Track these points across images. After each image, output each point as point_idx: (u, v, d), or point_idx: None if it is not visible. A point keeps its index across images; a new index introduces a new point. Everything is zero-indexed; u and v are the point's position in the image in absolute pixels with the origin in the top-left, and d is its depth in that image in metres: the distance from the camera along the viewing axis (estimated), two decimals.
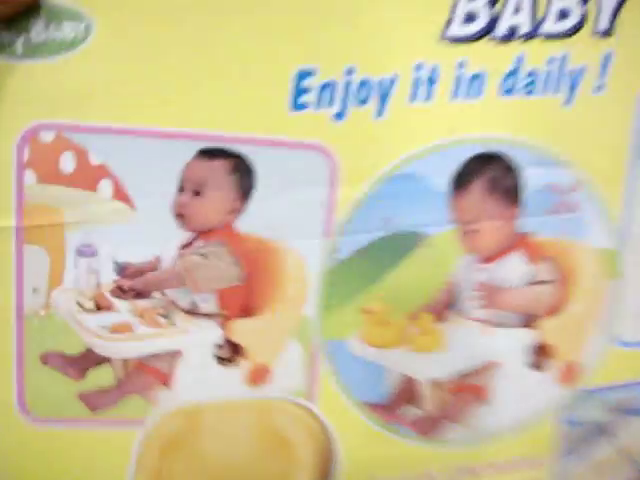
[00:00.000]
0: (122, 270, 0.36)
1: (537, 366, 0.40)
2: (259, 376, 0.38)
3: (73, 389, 0.36)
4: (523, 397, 0.40)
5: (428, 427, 0.40)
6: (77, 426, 0.37)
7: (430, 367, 0.39)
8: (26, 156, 0.34)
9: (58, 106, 0.33)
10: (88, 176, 0.34)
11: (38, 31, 0.32)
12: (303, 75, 0.34)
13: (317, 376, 0.38)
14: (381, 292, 0.38)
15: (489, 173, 0.37)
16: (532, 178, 0.38)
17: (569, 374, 0.41)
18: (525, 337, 0.40)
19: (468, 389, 0.40)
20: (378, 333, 0.38)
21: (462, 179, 0.37)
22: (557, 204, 0.38)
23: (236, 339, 0.37)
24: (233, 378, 0.38)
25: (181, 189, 0.35)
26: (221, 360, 0.38)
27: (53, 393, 0.36)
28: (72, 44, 0.33)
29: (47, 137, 0.34)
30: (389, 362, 0.39)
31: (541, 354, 0.40)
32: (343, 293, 0.38)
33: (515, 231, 0.38)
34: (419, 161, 0.36)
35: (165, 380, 0.37)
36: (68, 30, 0.33)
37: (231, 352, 0.38)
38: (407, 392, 0.39)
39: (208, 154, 0.35)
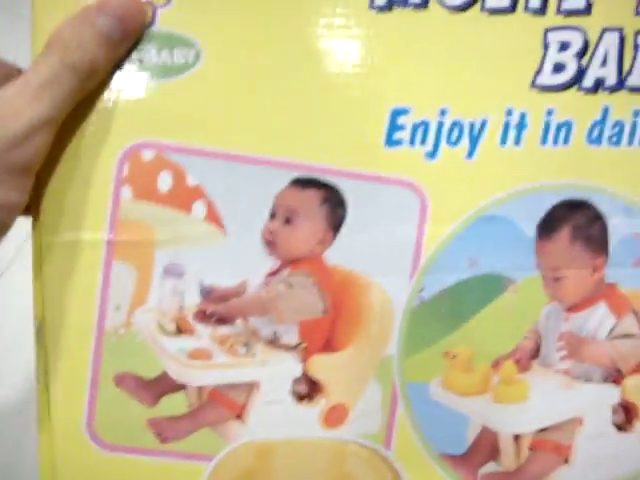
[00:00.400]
0: (207, 294, 0.35)
1: (622, 427, 0.38)
2: (336, 416, 0.36)
3: (144, 415, 0.35)
4: (607, 460, 0.38)
5: None
6: (144, 456, 0.35)
7: (511, 419, 0.37)
8: (125, 172, 0.34)
9: (162, 126, 0.34)
10: (183, 196, 0.35)
11: (151, 56, 0.34)
12: (398, 112, 0.35)
13: (394, 420, 0.37)
14: (465, 336, 0.37)
15: (575, 220, 0.37)
16: (618, 228, 0.37)
17: None
18: (609, 394, 0.38)
19: (549, 446, 0.37)
20: (460, 379, 0.36)
21: (548, 225, 0.37)
22: None
23: (315, 375, 0.36)
24: (309, 416, 0.36)
25: (272, 216, 0.35)
26: (298, 396, 0.36)
27: (123, 418, 0.35)
28: (182, 69, 0.34)
29: (147, 155, 0.34)
30: (469, 411, 0.37)
31: (626, 414, 0.38)
32: (426, 334, 0.37)
33: (600, 281, 0.38)
34: (507, 204, 0.36)
35: (239, 412, 0.36)
36: (179, 56, 0.34)
37: (309, 388, 0.36)
38: (487, 445, 0.37)
39: (301, 183, 0.35)
